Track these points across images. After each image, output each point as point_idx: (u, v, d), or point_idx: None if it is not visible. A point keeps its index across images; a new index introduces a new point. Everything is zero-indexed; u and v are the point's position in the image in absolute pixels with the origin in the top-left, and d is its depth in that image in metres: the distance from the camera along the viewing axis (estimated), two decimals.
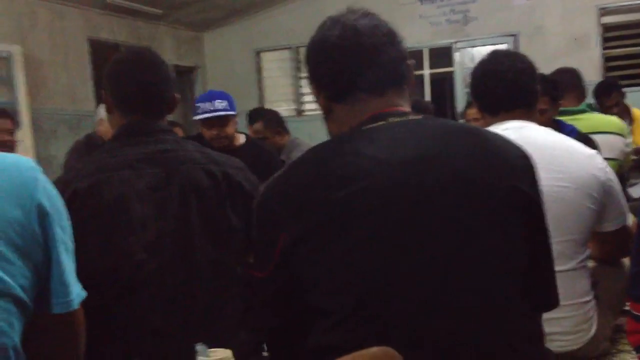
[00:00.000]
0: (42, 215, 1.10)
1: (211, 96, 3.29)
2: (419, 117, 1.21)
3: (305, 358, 1.12)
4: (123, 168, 1.56)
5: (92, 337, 1.38)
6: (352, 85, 1.21)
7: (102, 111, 3.97)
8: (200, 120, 3.27)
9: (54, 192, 1.15)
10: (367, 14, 1.25)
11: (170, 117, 5.72)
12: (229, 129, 3.26)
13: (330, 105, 1.25)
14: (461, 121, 4.24)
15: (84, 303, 1.22)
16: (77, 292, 1.17)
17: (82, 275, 1.20)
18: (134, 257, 1.51)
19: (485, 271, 1.09)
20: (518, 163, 1.17)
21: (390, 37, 1.23)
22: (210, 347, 1.35)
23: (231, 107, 3.26)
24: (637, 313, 1.69)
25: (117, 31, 7.80)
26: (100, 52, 7.33)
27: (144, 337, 1.53)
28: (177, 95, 1.75)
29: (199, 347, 1.31)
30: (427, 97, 8.36)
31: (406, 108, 1.23)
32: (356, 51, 1.21)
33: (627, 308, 2.43)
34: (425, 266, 1.07)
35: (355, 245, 1.07)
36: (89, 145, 3.92)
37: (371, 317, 1.05)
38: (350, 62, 1.21)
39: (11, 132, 3.51)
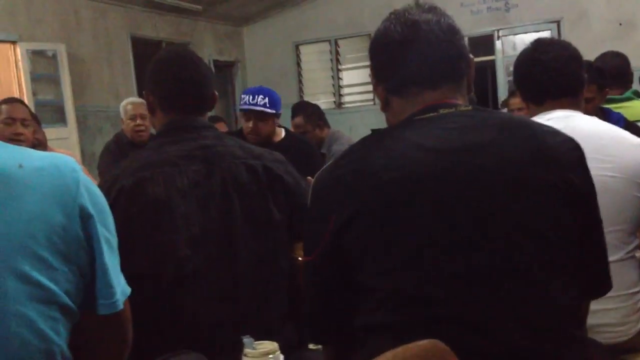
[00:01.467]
0: (85, 218, 1.09)
1: (255, 91, 3.33)
2: (469, 108, 1.22)
3: (353, 338, 1.15)
4: (166, 165, 1.59)
5: (139, 331, 1.41)
6: (408, 79, 1.24)
7: (122, 111, 4.08)
8: (241, 111, 3.34)
9: (96, 191, 1.15)
10: (431, 9, 1.26)
11: (212, 112, 5.80)
12: (264, 127, 3.28)
13: (388, 98, 1.28)
14: (504, 110, 4.19)
15: (131, 300, 1.23)
16: (121, 291, 1.16)
17: (126, 273, 1.21)
18: (178, 253, 1.53)
19: (531, 258, 1.10)
20: (569, 155, 1.17)
21: (450, 34, 1.25)
22: (257, 340, 1.37)
23: (272, 105, 3.27)
24: None
25: (158, 28, 7.92)
26: (143, 48, 7.47)
27: (190, 330, 1.56)
28: (216, 93, 1.77)
29: (246, 339, 1.33)
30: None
31: (460, 101, 1.24)
32: (414, 46, 1.22)
33: None
34: (471, 250, 1.09)
35: (401, 227, 1.10)
36: (118, 144, 4.04)
37: (419, 297, 1.08)
38: (407, 56, 1.23)
39: (26, 124, 2.96)
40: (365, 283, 1.12)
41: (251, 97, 3.25)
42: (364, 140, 1.24)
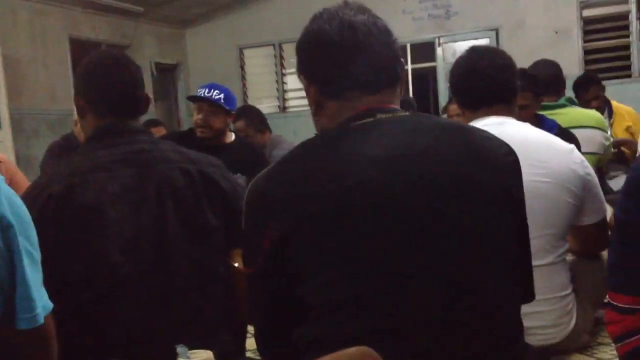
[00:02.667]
0: (5, 228, 1.05)
1: (212, 86, 3.33)
2: (407, 113, 1.20)
3: (295, 351, 1.12)
4: (97, 170, 1.55)
5: (71, 341, 1.37)
6: (350, 84, 1.20)
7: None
8: (195, 103, 3.32)
9: (17, 202, 1.11)
10: (363, 10, 1.22)
11: (153, 115, 5.68)
12: (215, 121, 3.26)
13: (322, 100, 1.23)
14: (443, 117, 4.26)
15: (60, 309, 1.19)
16: (42, 305, 1.12)
17: (58, 280, 1.17)
18: (110, 260, 1.50)
19: (474, 266, 1.10)
20: (505, 160, 1.18)
21: (386, 36, 1.22)
22: (191, 349, 1.35)
23: (227, 103, 3.27)
24: (615, 303, 1.71)
25: (98, 29, 7.75)
26: (82, 50, 7.27)
27: (124, 339, 1.53)
28: (150, 95, 1.74)
29: (180, 348, 1.30)
30: (410, 92, 8.39)
31: (396, 105, 1.22)
32: (354, 49, 1.18)
33: (606, 301, 2.46)
34: (415, 261, 1.07)
35: (344, 241, 1.07)
36: (65, 147, 3.89)
37: (358, 312, 1.06)
38: (351, 61, 1.19)
39: None
40: (304, 298, 1.09)
41: (207, 90, 3.25)
42: (304, 148, 1.19)
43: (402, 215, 1.08)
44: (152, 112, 8.10)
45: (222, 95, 3.24)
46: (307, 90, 1.26)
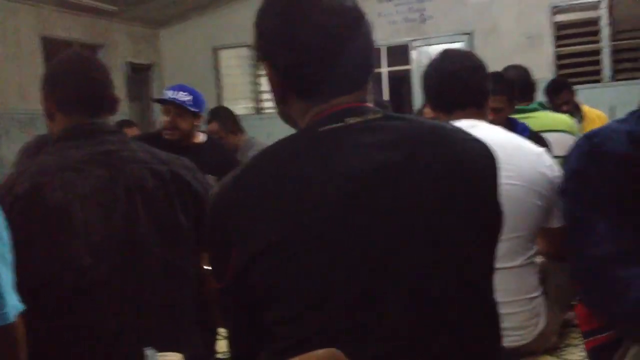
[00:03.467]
0: None
1: (179, 87, 3.32)
2: (378, 116, 1.08)
3: None
4: (66, 170, 1.52)
5: (40, 344, 1.36)
6: (315, 80, 1.07)
7: None
8: (162, 105, 3.29)
9: None
10: None
11: (126, 116, 5.64)
12: (182, 123, 3.24)
13: (286, 95, 1.12)
14: None
15: (30, 311, 1.18)
16: (12, 304, 1.12)
17: (26, 282, 1.16)
18: (79, 262, 1.48)
19: (450, 284, 1.03)
20: (483, 165, 1.11)
21: (361, 20, 1.09)
22: (161, 351, 1.34)
23: (195, 104, 3.25)
24: None
25: (71, 28, 7.67)
26: (54, 50, 7.20)
27: (94, 341, 1.51)
28: (118, 95, 1.73)
29: (149, 351, 1.30)
30: (386, 95, 8.43)
31: (367, 103, 1.11)
32: (322, 37, 1.05)
33: (575, 303, 2.49)
34: (386, 291, 0.99)
35: (307, 268, 0.98)
36: (39, 147, 3.83)
37: (328, 343, 0.96)
38: (314, 51, 1.05)
39: None
40: (271, 322, 1.02)
41: (174, 92, 3.23)
42: (269, 157, 1.08)
43: (366, 241, 0.99)
44: (126, 112, 8.03)
45: (190, 97, 3.22)
46: (270, 78, 1.13)
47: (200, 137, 3.43)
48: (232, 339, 1.17)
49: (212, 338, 1.82)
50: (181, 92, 3.23)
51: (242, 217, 1.02)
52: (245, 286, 1.03)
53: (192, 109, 3.22)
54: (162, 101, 3.27)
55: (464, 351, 1.04)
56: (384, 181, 1.01)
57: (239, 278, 1.03)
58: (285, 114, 1.16)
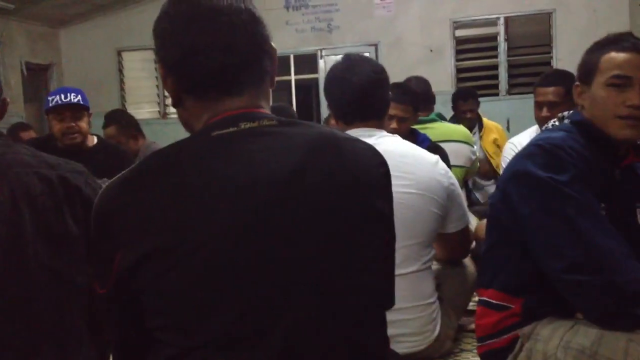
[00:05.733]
0: None
1: (64, 90, 3.22)
2: (273, 122, 1.07)
3: None
4: None
5: None
6: (203, 81, 1.07)
7: None
8: (52, 113, 3.16)
9: None
10: None
11: (21, 119, 5.38)
12: (83, 124, 3.18)
13: (179, 94, 1.10)
14: None
15: None
16: None
17: None
18: None
19: (335, 287, 1.03)
20: (375, 173, 1.12)
21: (253, 23, 1.08)
22: None
23: (85, 102, 3.18)
24: (482, 298, 1.80)
25: None
26: None
27: None
28: (7, 99, 1.64)
29: None
30: (293, 102, 8.46)
31: (263, 108, 1.11)
32: (207, 34, 1.05)
33: (470, 308, 2.59)
34: (272, 300, 0.98)
35: (195, 278, 0.96)
36: None
37: (215, 351, 0.96)
38: (201, 54, 1.05)
39: None
40: (156, 332, 1.00)
41: (63, 96, 3.13)
42: (160, 160, 1.05)
43: (260, 250, 0.97)
44: (22, 114, 7.67)
45: (79, 97, 3.15)
46: (163, 79, 1.11)
47: (94, 140, 3.36)
48: (115, 347, 1.13)
49: (106, 350, 1.75)
50: (71, 94, 3.14)
51: (128, 221, 1.00)
52: (129, 292, 1.00)
53: (87, 107, 3.18)
54: (57, 108, 3.13)
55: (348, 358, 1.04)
56: (272, 190, 1.00)
57: (122, 283, 1.00)
58: (183, 118, 1.14)
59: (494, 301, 1.75)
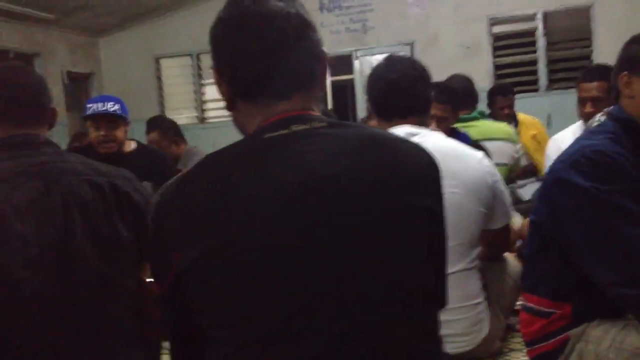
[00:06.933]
0: None
1: (103, 98, 3.27)
2: (324, 124, 1.09)
3: None
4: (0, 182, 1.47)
5: None
6: (256, 87, 1.09)
7: None
8: (89, 120, 3.21)
9: None
10: None
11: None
12: (118, 133, 3.20)
13: (234, 99, 1.13)
14: None
15: None
16: None
17: None
18: (14, 276, 1.43)
19: (381, 289, 1.03)
20: (425, 174, 1.11)
21: (303, 28, 1.10)
22: None
23: (123, 111, 3.22)
24: (528, 304, 1.77)
25: (6, 37, 7.43)
26: None
27: (30, 356, 1.46)
28: (56, 108, 1.69)
29: None
30: (329, 104, 8.46)
31: (314, 111, 1.12)
32: (258, 39, 1.07)
33: (517, 308, 2.55)
34: (323, 296, 0.99)
35: (248, 276, 0.98)
36: None
37: (265, 351, 0.98)
38: (252, 60, 1.08)
39: None
40: (210, 330, 1.02)
41: (101, 104, 3.17)
42: (212, 163, 1.08)
43: (310, 248, 0.99)
44: (65, 122, 7.84)
45: (117, 106, 3.18)
46: (218, 84, 1.15)
47: (132, 145, 3.39)
48: (173, 346, 1.16)
49: (155, 353, 1.77)
50: (108, 103, 3.17)
51: (182, 224, 1.02)
52: (185, 291, 1.02)
53: (125, 117, 3.20)
54: (97, 118, 3.18)
55: (399, 358, 1.04)
56: (322, 190, 1.01)
57: (179, 283, 1.03)
58: (237, 121, 1.17)
59: (540, 308, 1.73)
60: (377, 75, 2.22)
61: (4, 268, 1.43)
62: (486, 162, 2.14)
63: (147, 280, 1.61)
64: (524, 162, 4.19)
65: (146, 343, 1.67)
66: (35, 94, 1.63)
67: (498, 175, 2.17)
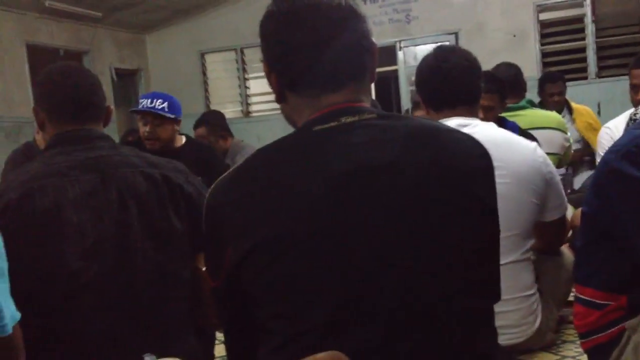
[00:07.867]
0: None
1: (154, 95, 3.29)
2: (373, 115, 1.09)
3: None
4: (54, 176, 1.53)
5: (36, 349, 1.35)
6: (306, 78, 1.09)
7: None
8: (138, 115, 3.26)
9: None
10: None
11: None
12: (162, 132, 3.21)
13: (284, 92, 1.13)
14: None
15: (22, 316, 1.18)
16: (10, 315, 1.12)
17: (19, 288, 1.16)
18: (70, 266, 1.48)
19: (437, 289, 1.03)
20: (477, 165, 1.10)
21: (353, 19, 1.10)
22: (159, 357, 1.33)
23: (172, 110, 3.21)
24: (582, 297, 1.75)
25: (56, 35, 7.61)
26: (39, 56, 7.15)
27: (88, 345, 1.50)
28: (111, 106, 1.73)
29: (148, 357, 1.28)
30: (373, 95, 8.44)
31: (364, 102, 1.12)
32: (307, 31, 1.07)
33: (570, 299, 2.51)
34: (375, 286, 1.00)
35: (299, 268, 0.99)
36: (27, 155, 3.80)
37: (318, 345, 0.97)
38: (303, 47, 1.07)
39: None
40: (264, 321, 1.03)
41: (149, 101, 3.20)
42: (263, 158, 1.09)
43: (361, 238, 1.00)
44: (113, 118, 7.98)
45: (166, 104, 3.18)
46: (268, 76, 1.15)
47: (182, 140, 3.42)
48: (228, 338, 1.18)
49: (210, 342, 1.81)
50: (157, 100, 3.19)
51: (235, 217, 1.04)
52: (239, 284, 1.04)
53: (170, 116, 3.19)
54: (139, 111, 3.22)
55: (453, 350, 1.04)
56: (372, 181, 1.02)
57: (233, 276, 1.04)
58: (287, 113, 1.18)
59: (594, 300, 1.70)
60: (428, 65, 2.20)
61: (62, 259, 1.48)
62: (540, 152, 2.11)
63: (203, 269, 1.63)
64: (577, 147, 4.11)
65: (201, 332, 1.71)
66: (90, 93, 1.67)
67: (552, 166, 2.14)
